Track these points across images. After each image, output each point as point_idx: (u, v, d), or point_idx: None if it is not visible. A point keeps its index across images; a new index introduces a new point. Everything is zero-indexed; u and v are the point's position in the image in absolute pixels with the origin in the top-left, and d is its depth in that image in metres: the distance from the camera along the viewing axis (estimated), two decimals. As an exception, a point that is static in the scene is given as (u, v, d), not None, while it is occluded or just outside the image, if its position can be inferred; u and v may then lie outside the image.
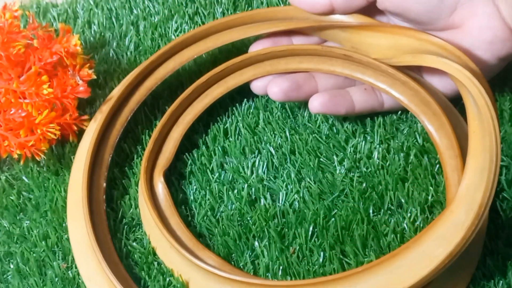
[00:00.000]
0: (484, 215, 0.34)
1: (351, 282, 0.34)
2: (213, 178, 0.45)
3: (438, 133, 0.42)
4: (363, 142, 0.45)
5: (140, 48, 0.54)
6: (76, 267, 0.42)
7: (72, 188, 0.44)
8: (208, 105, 0.47)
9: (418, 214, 0.41)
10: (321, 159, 0.45)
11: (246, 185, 0.44)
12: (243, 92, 0.49)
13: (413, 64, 0.41)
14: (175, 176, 0.46)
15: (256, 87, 0.47)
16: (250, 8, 0.55)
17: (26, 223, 0.45)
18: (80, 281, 0.41)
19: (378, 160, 0.44)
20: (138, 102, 0.47)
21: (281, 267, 0.40)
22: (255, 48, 0.47)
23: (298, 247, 0.41)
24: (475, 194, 0.35)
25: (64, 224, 0.44)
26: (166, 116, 0.46)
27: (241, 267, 0.41)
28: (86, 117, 0.47)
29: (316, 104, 0.44)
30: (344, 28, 0.45)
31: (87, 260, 0.41)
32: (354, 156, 0.45)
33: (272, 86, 0.45)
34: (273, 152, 0.46)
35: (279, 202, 0.44)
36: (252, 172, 0.45)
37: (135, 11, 0.57)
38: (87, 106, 0.50)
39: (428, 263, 0.34)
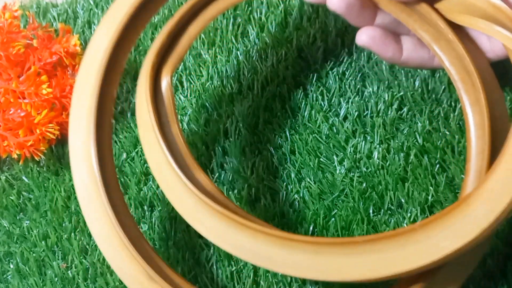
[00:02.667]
0: (502, 221, 0.31)
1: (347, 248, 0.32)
2: (213, 178, 0.45)
3: (472, 108, 0.37)
4: (363, 142, 0.45)
5: (140, 48, 0.54)
6: (75, 267, 0.42)
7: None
8: (234, 3, 0.42)
9: (418, 214, 0.41)
10: (321, 159, 0.45)
11: (246, 185, 0.44)
12: (243, 92, 0.49)
13: (468, 26, 0.37)
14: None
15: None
16: (250, 8, 0.55)
17: (26, 223, 0.45)
18: (79, 280, 0.41)
19: (378, 160, 0.44)
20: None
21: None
22: None
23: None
24: (502, 195, 0.30)
25: (64, 224, 0.44)
26: (186, 7, 0.40)
27: (241, 266, 0.41)
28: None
29: (364, 37, 0.40)
30: None
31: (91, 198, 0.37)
32: (354, 156, 0.45)
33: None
34: (273, 152, 0.46)
35: (279, 202, 0.44)
36: (252, 172, 0.45)
37: (135, 11, 0.56)
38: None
39: (430, 254, 0.31)
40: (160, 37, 0.40)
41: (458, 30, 0.39)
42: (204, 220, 0.34)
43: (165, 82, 0.39)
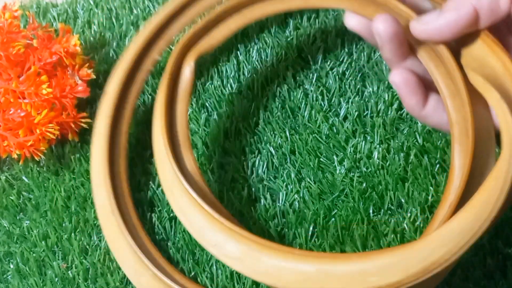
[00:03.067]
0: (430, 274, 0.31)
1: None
2: (213, 178, 0.45)
3: (460, 156, 0.37)
4: (363, 142, 0.45)
5: (140, 48, 0.54)
6: (75, 267, 0.42)
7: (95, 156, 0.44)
8: (284, 10, 0.43)
9: (418, 214, 0.41)
10: (321, 159, 0.45)
11: (246, 185, 0.44)
12: (243, 92, 0.49)
13: (477, 88, 0.36)
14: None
15: (349, 21, 0.41)
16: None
17: (26, 223, 0.45)
18: (80, 281, 0.41)
19: (378, 160, 0.44)
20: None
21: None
22: None
23: (298, 247, 0.41)
24: (439, 249, 0.31)
25: (64, 224, 0.44)
26: (232, 1, 0.42)
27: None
28: (84, 114, 0.47)
29: (398, 78, 0.39)
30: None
31: (109, 222, 0.41)
32: (354, 156, 0.45)
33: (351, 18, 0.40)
34: (273, 152, 0.46)
35: (279, 202, 0.44)
36: (252, 172, 0.45)
37: (135, 11, 0.56)
38: (87, 106, 0.50)
39: (355, 283, 0.32)
40: (199, 23, 0.42)
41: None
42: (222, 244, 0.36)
43: (188, 68, 0.42)
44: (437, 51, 0.38)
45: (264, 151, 0.46)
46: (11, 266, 0.43)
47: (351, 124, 0.46)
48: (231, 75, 0.50)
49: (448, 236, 0.31)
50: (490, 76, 0.36)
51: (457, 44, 0.38)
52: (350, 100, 0.47)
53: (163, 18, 0.44)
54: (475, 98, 0.37)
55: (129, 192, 0.43)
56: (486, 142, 0.36)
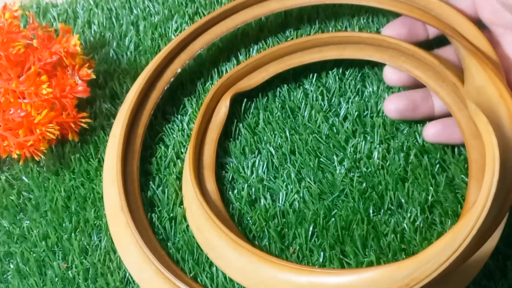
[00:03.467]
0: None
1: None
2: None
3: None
4: (363, 142, 0.45)
5: (140, 48, 0.54)
6: (75, 267, 0.42)
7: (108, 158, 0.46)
8: (319, 59, 0.48)
9: (418, 214, 0.41)
10: (321, 159, 0.45)
11: (246, 185, 0.44)
12: (243, 92, 0.49)
13: (470, 114, 0.38)
14: (174, 177, 0.46)
15: (390, 78, 0.46)
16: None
17: (26, 223, 0.45)
18: (80, 281, 0.41)
19: (378, 160, 0.44)
20: (172, 75, 0.49)
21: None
22: (388, 32, 0.45)
23: (298, 247, 0.41)
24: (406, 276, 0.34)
25: (64, 224, 0.44)
26: (273, 49, 0.48)
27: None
28: (84, 114, 0.46)
29: (429, 133, 0.43)
30: (464, 44, 0.41)
31: (118, 223, 0.42)
32: (354, 156, 0.45)
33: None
34: (273, 152, 0.46)
35: (279, 202, 0.44)
36: (252, 172, 0.45)
37: (135, 11, 0.56)
38: (87, 106, 0.50)
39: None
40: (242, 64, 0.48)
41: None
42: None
43: (224, 107, 0.47)
44: (460, 97, 0.41)
45: (264, 151, 0.46)
46: (11, 266, 0.43)
47: (351, 124, 0.46)
48: (231, 75, 0.50)
49: (430, 256, 0.33)
50: (485, 103, 0.38)
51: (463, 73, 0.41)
52: (350, 100, 0.47)
53: (189, 34, 0.48)
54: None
55: (139, 191, 0.44)
56: (502, 181, 0.36)
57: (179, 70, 0.48)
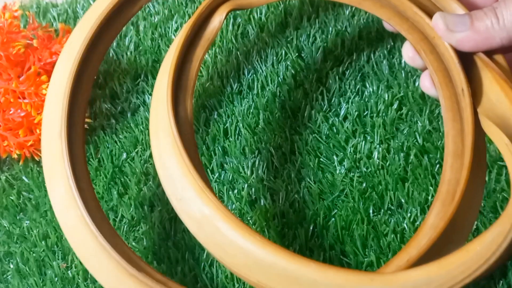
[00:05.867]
0: None
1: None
2: (213, 178, 0.45)
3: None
4: (363, 142, 0.45)
5: (140, 48, 0.54)
6: (75, 267, 0.42)
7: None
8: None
9: (418, 214, 0.41)
10: (321, 159, 0.45)
11: (246, 185, 0.44)
12: (243, 92, 0.49)
13: (487, 133, 0.36)
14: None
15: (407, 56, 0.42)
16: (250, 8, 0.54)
17: (26, 223, 0.45)
18: (79, 280, 0.41)
19: (378, 160, 0.44)
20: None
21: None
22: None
23: (298, 247, 0.41)
24: None
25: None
26: None
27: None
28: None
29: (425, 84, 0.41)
30: (489, 67, 0.38)
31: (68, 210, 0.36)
32: (354, 156, 0.45)
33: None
34: (273, 152, 0.46)
35: (279, 202, 0.44)
36: (252, 172, 0.45)
37: (135, 11, 0.56)
38: (87, 106, 0.50)
39: None
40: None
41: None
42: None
43: (218, 19, 0.40)
44: (460, 106, 0.38)
45: (264, 151, 0.46)
46: (11, 266, 0.43)
47: (351, 124, 0.46)
48: (231, 75, 0.50)
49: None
50: (500, 116, 0.36)
51: (474, 84, 0.38)
52: (350, 100, 0.47)
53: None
54: (476, 165, 0.36)
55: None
56: (466, 211, 0.35)
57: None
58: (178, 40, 0.38)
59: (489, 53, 0.37)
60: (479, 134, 0.36)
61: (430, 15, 0.38)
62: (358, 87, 0.48)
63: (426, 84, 0.41)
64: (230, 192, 0.44)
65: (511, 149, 0.32)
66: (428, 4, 0.40)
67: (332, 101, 0.48)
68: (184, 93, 0.38)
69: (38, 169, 0.47)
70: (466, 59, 0.38)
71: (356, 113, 0.47)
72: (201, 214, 0.33)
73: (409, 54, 0.41)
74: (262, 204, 0.44)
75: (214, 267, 0.41)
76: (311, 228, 0.42)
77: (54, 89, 0.38)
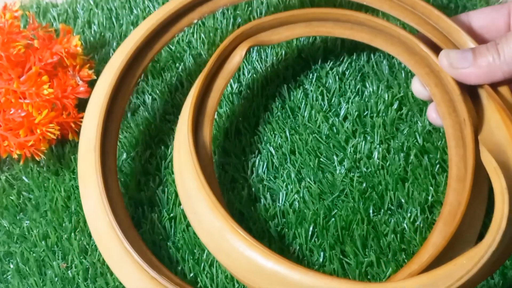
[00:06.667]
0: None
1: None
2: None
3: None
4: (363, 142, 0.45)
5: (140, 48, 0.54)
6: (75, 267, 0.42)
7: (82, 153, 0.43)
8: (347, 37, 0.45)
9: (418, 214, 0.41)
10: (321, 159, 0.45)
11: (246, 185, 0.44)
12: (243, 92, 0.49)
13: (487, 169, 0.36)
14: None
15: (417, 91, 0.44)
16: (250, 8, 0.55)
17: (26, 223, 0.45)
18: (79, 280, 0.41)
19: (378, 160, 0.44)
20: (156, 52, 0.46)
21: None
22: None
23: (298, 247, 0.41)
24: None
25: (64, 224, 0.44)
26: (306, 11, 0.45)
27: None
28: (84, 114, 0.46)
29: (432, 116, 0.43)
30: (491, 97, 0.39)
31: (99, 219, 0.40)
32: (354, 156, 0.45)
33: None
34: (273, 152, 0.46)
35: (279, 202, 0.44)
36: (252, 172, 0.45)
37: (135, 11, 0.57)
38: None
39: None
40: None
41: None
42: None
43: (238, 56, 0.44)
44: (463, 134, 0.40)
45: (264, 151, 0.46)
46: (11, 266, 0.43)
47: (351, 124, 0.46)
48: (231, 75, 0.50)
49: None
50: (497, 143, 0.37)
51: (479, 113, 0.40)
52: (350, 100, 0.48)
53: None
54: (477, 188, 0.38)
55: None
56: (467, 231, 0.37)
57: (195, 21, 0.46)
58: (204, 72, 0.43)
59: (494, 84, 0.39)
60: (480, 159, 0.37)
61: (443, 47, 0.41)
62: (358, 87, 0.48)
63: (433, 115, 0.43)
64: (230, 192, 0.44)
65: (498, 172, 0.33)
66: (441, 38, 0.42)
67: (332, 101, 0.48)
68: (204, 118, 0.43)
69: (38, 169, 0.47)
70: (473, 88, 0.40)
71: (356, 113, 0.47)
72: (212, 226, 0.37)
73: (417, 87, 0.44)
74: (262, 204, 0.44)
75: (214, 267, 0.41)
76: (311, 228, 0.42)
77: (92, 104, 0.43)
